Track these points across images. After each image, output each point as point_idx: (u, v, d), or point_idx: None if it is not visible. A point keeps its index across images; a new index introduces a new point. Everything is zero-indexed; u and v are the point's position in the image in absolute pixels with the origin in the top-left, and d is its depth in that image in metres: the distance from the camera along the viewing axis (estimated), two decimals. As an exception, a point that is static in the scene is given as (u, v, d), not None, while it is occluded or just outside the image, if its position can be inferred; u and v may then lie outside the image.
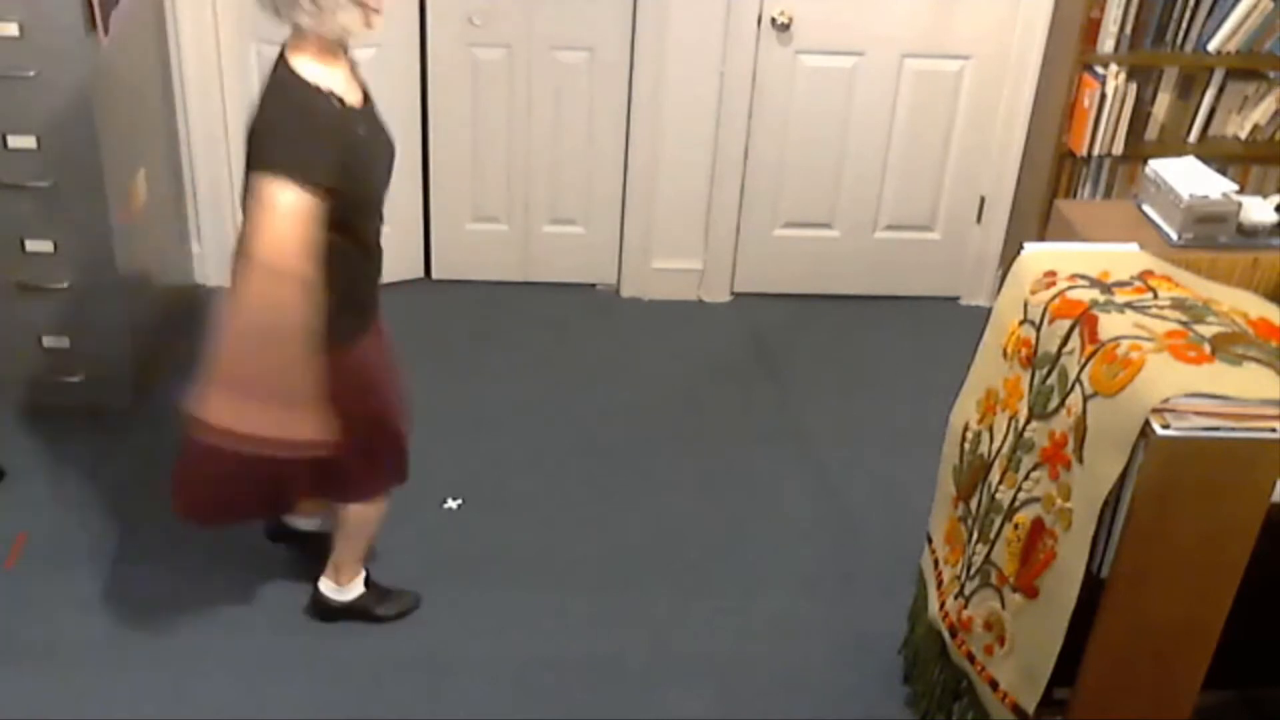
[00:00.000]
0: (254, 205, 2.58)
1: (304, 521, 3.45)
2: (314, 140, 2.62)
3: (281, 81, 2.68)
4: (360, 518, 3.18)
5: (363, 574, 3.30)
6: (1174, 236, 3.07)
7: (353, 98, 2.76)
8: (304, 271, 2.58)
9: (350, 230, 2.77)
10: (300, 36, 2.70)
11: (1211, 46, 4.20)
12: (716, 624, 3.38)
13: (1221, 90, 4.31)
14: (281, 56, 2.72)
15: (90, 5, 3.47)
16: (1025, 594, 2.56)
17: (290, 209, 2.56)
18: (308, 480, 3.03)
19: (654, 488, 3.82)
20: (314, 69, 2.68)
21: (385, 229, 4.89)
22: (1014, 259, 2.74)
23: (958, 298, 4.81)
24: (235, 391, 2.65)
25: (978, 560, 2.75)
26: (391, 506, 3.48)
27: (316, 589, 3.28)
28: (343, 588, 3.28)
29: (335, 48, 2.72)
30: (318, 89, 2.66)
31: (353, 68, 2.82)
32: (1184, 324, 2.42)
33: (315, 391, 2.68)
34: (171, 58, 4.25)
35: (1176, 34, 4.19)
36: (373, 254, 2.94)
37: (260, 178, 2.57)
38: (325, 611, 3.29)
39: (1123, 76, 4.18)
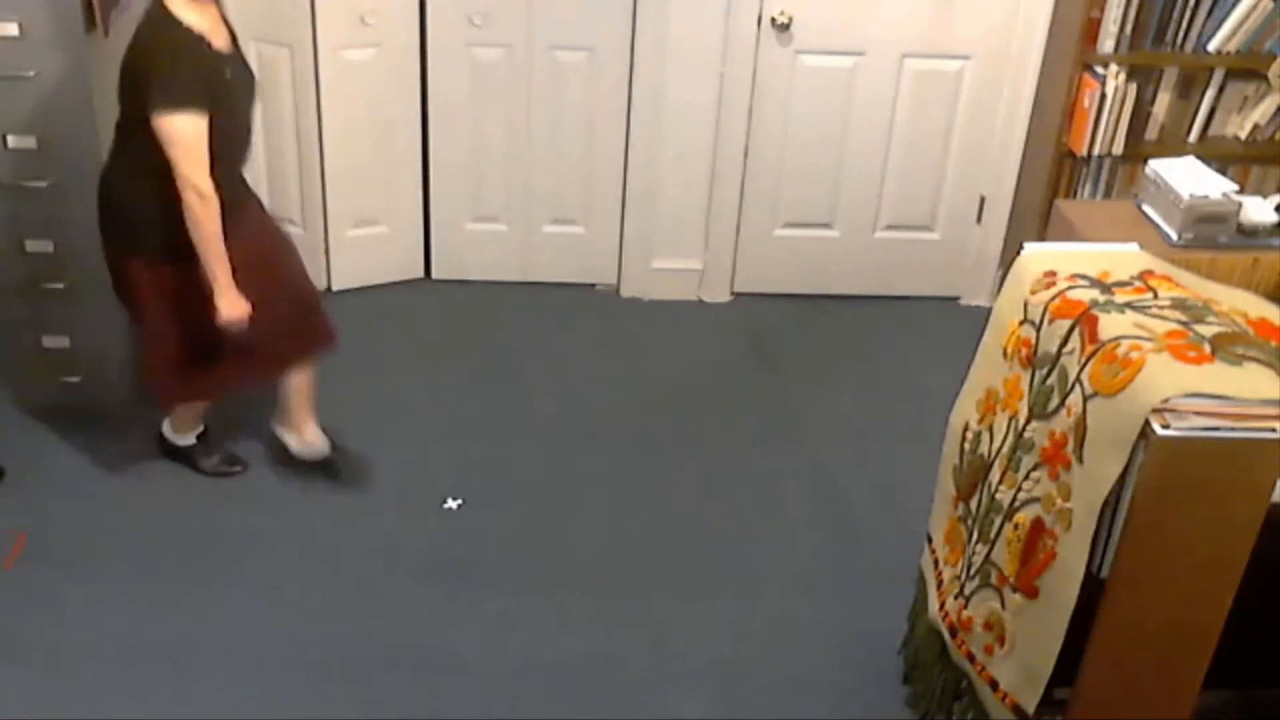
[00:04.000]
0: (163, 144, 3.02)
1: (185, 436, 3.75)
2: (186, 71, 2.99)
3: (154, 20, 3.02)
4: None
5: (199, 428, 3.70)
6: (1174, 236, 3.07)
7: (219, 41, 3.11)
8: (208, 184, 3.08)
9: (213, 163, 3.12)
10: None
11: (1211, 46, 4.20)
12: (716, 624, 3.38)
13: (1221, 90, 4.31)
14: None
15: (90, 5, 3.47)
16: (1025, 594, 2.56)
17: (191, 135, 3.01)
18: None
19: (654, 488, 3.82)
20: (184, 10, 3.02)
21: (382, 228, 4.91)
22: (1014, 259, 2.74)
23: (958, 298, 4.81)
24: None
25: (978, 560, 2.75)
26: (388, 504, 3.50)
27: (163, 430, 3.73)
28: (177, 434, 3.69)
29: None
30: (188, 29, 3.01)
31: (223, 13, 3.17)
32: (1184, 324, 2.42)
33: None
34: (171, 58, 4.25)
35: (1176, 34, 4.19)
36: (227, 193, 3.21)
37: (156, 118, 2.99)
38: (162, 446, 3.72)
39: (1123, 76, 4.18)
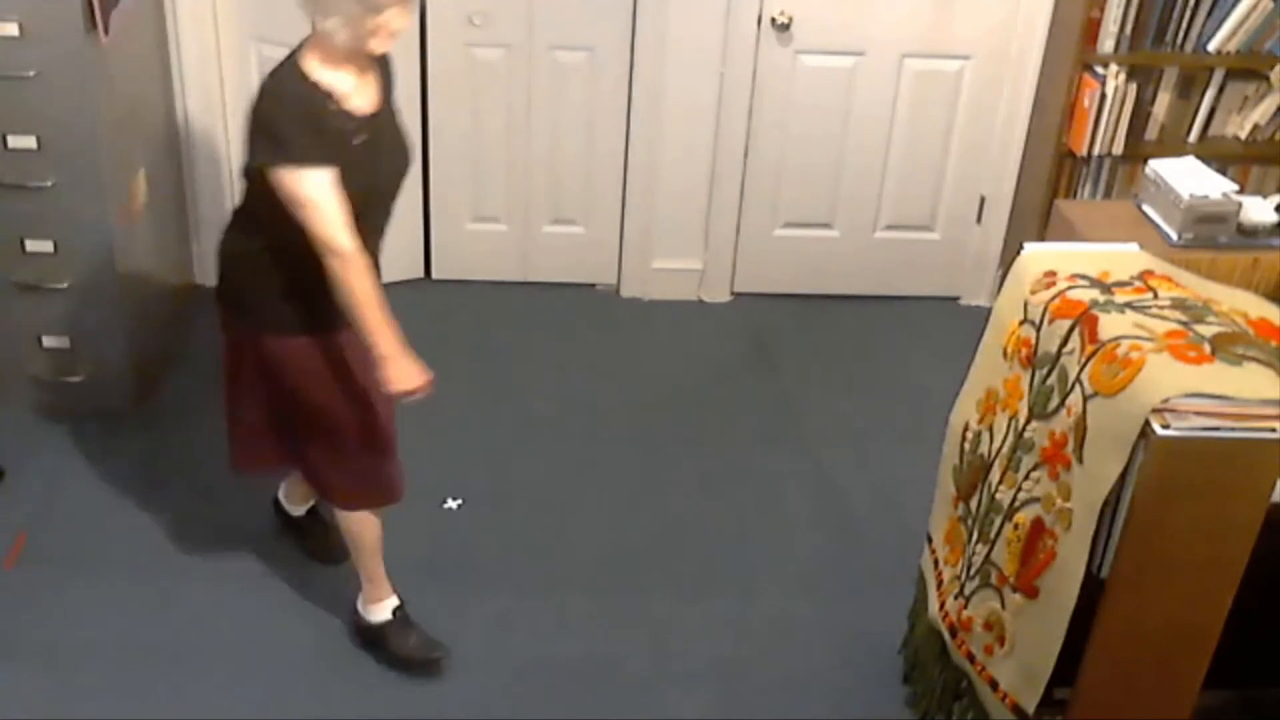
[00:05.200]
0: (289, 204, 2.68)
1: (295, 508, 3.48)
2: (304, 128, 2.66)
3: (281, 73, 2.72)
4: (348, 526, 3.13)
5: (392, 599, 3.21)
6: (1174, 236, 3.07)
7: (359, 103, 2.76)
8: (349, 242, 2.70)
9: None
10: (310, 36, 2.72)
11: (1211, 46, 4.20)
12: (716, 624, 3.38)
13: (1221, 90, 4.31)
14: (290, 54, 2.75)
15: (90, 5, 3.47)
16: (1025, 594, 2.56)
17: (315, 193, 2.66)
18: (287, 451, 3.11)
19: (654, 488, 3.82)
20: (318, 67, 2.70)
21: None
22: (1014, 259, 2.74)
23: (958, 298, 4.81)
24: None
25: (978, 560, 2.75)
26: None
27: (355, 612, 3.24)
28: (370, 608, 3.21)
29: (348, 53, 2.70)
30: (315, 84, 2.68)
31: (382, 75, 2.85)
32: (1184, 324, 2.42)
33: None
34: (171, 58, 4.25)
35: (1176, 34, 4.19)
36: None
37: (272, 174, 2.67)
38: (361, 634, 3.22)
39: (1123, 76, 4.18)
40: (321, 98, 2.68)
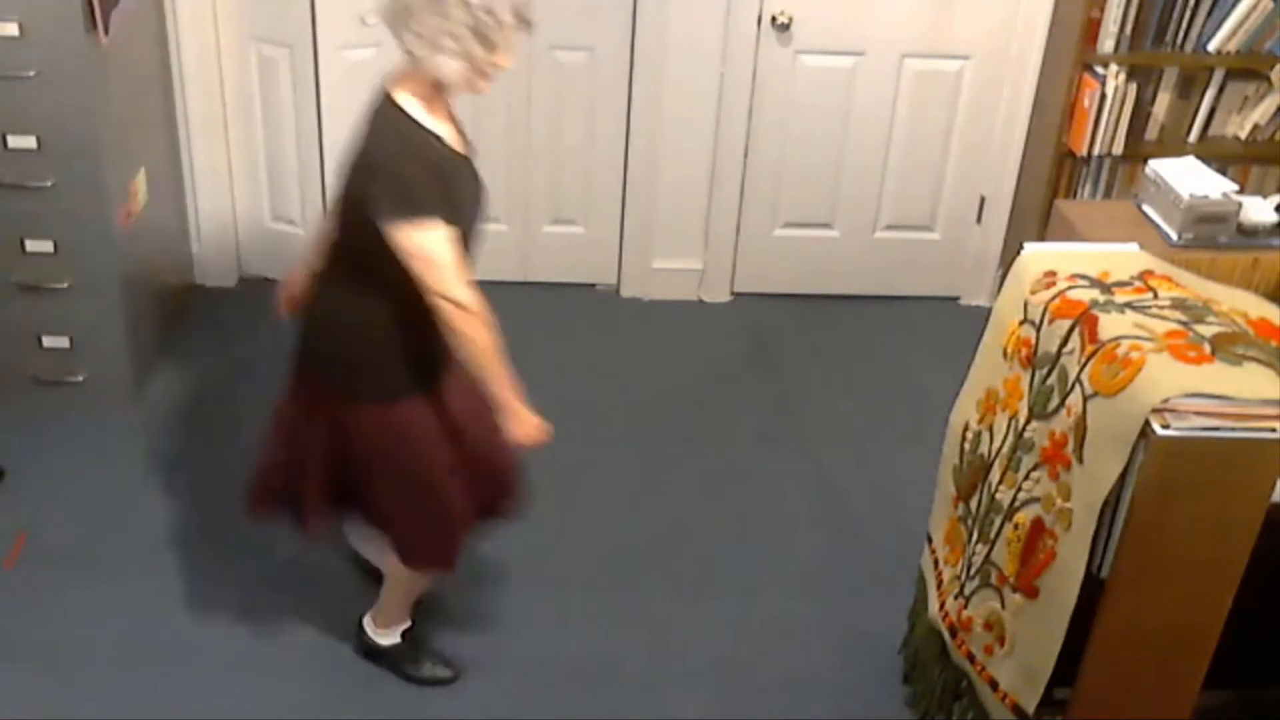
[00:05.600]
0: (409, 258, 2.56)
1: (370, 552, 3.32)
2: (427, 176, 2.56)
3: (389, 119, 2.58)
4: (400, 574, 3.05)
5: (405, 624, 3.18)
6: (1174, 236, 3.07)
7: (456, 145, 2.68)
8: (471, 296, 2.62)
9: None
10: (407, 72, 2.60)
11: (1211, 46, 4.20)
12: (716, 624, 3.38)
13: (1221, 90, 4.31)
14: (386, 93, 2.61)
15: (90, 5, 3.47)
16: (1025, 594, 2.56)
17: (438, 248, 2.56)
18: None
19: (654, 488, 3.82)
20: (421, 110, 2.59)
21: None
22: (1014, 259, 2.74)
23: (958, 298, 4.81)
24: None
25: (978, 560, 2.75)
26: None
27: (360, 623, 3.20)
28: (379, 631, 3.17)
29: (439, 93, 2.61)
30: (427, 130, 2.59)
31: (456, 120, 2.73)
32: (1184, 324, 2.42)
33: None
34: (171, 58, 4.25)
35: (1176, 34, 4.19)
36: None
37: (397, 229, 2.53)
38: (364, 649, 3.20)
39: (1123, 76, 4.18)
40: (437, 144, 2.59)
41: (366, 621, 3.19)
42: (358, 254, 2.67)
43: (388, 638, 3.17)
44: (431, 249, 2.55)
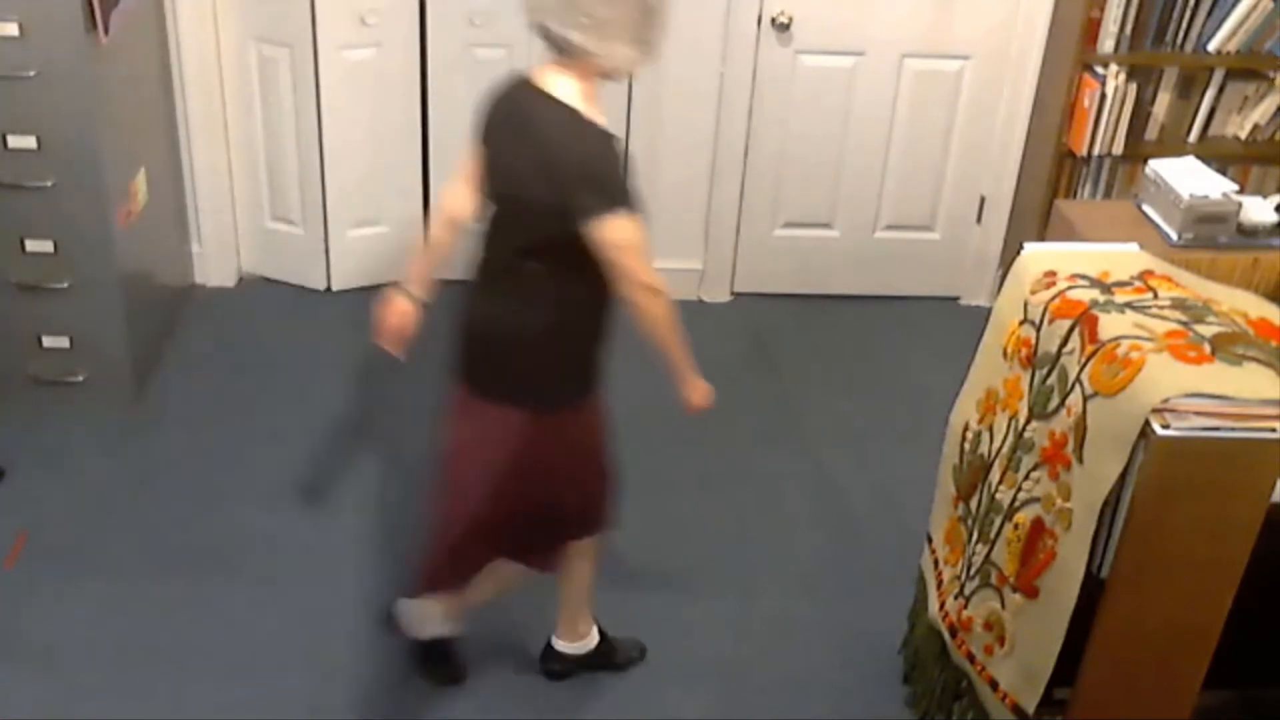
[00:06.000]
0: (611, 251, 2.55)
1: (444, 626, 3.12)
2: (618, 169, 2.56)
3: (564, 119, 2.54)
4: (582, 576, 3.08)
5: (593, 625, 3.20)
6: (1174, 236, 3.07)
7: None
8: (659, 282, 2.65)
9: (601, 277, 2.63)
10: (561, 65, 2.56)
11: (1211, 46, 4.20)
12: (716, 624, 3.38)
13: (1221, 90, 4.31)
14: (538, 90, 2.57)
15: (90, 5, 3.47)
16: (1025, 594, 2.56)
17: (638, 237, 2.57)
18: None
19: (654, 487, 3.81)
20: (580, 101, 2.55)
21: (382, 228, 4.89)
22: (1014, 259, 2.74)
23: (958, 298, 4.81)
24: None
25: (978, 560, 2.75)
26: (389, 504, 3.47)
27: (550, 651, 3.18)
28: (578, 642, 3.18)
29: (595, 82, 2.58)
30: (600, 123, 2.56)
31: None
32: (1184, 324, 2.42)
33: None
34: (171, 58, 4.25)
35: (1176, 34, 4.19)
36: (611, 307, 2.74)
37: (603, 226, 2.52)
38: (564, 669, 3.19)
39: (1123, 76, 4.18)
40: (610, 134, 2.57)
41: (559, 644, 3.17)
42: (553, 263, 2.63)
43: (588, 642, 3.17)
44: (634, 239, 2.56)
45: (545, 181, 2.54)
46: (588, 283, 2.63)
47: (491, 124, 2.71)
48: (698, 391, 2.87)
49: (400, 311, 2.94)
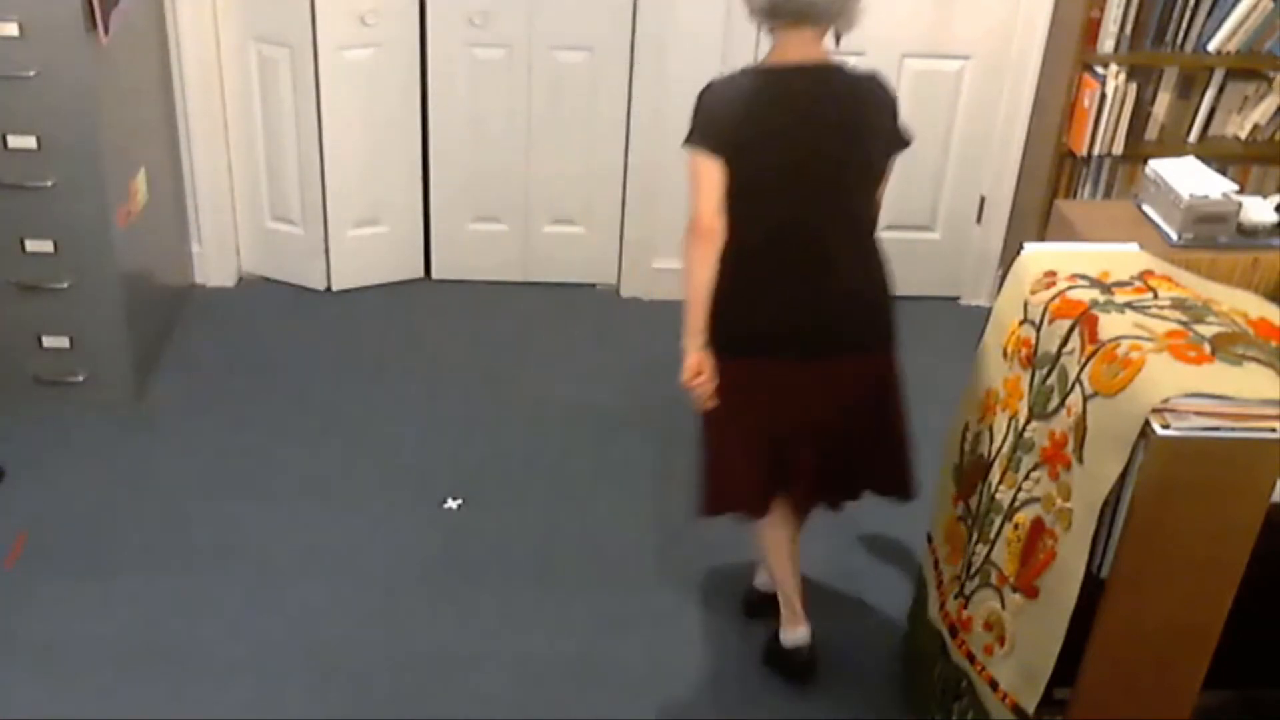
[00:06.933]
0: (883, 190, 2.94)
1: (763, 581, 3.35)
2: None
3: (856, 74, 2.88)
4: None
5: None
6: (1174, 236, 3.07)
7: None
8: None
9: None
10: (802, 42, 2.85)
11: (1211, 46, 4.20)
12: (716, 624, 3.37)
13: (1221, 90, 4.31)
14: (826, 64, 2.85)
15: (90, 5, 3.48)
16: (1025, 594, 2.56)
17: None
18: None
19: (654, 487, 3.82)
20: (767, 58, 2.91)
21: (382, 228, 4.88)
22: (1014, 259, 2.74)
23: (958, 298, 4.81)
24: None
25: (978, 560, 2.75)
26: (388, 504, 3.47)
27: (778, 644, 3.20)
28: (802, 628, 3.18)
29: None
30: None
31: None
32: (1184, 324, 2.42)
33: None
34: (171, 58, 4.25)
35: (1176, 34, 4.19)
36: (766, 258, 2.85)
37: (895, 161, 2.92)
38: (803, 664, 3.19)
39: (1123, 76, 4.18)
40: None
41: (790, 636, 3.17)
42: (863, 212, 2.95)
43: (807, 629, 3.19)
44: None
45: (871, 137, 2.90)
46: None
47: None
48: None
49: (708, 364, 2.92)
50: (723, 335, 2.85)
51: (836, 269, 2.85)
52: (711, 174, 2.75)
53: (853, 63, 4.45)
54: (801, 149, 2.77)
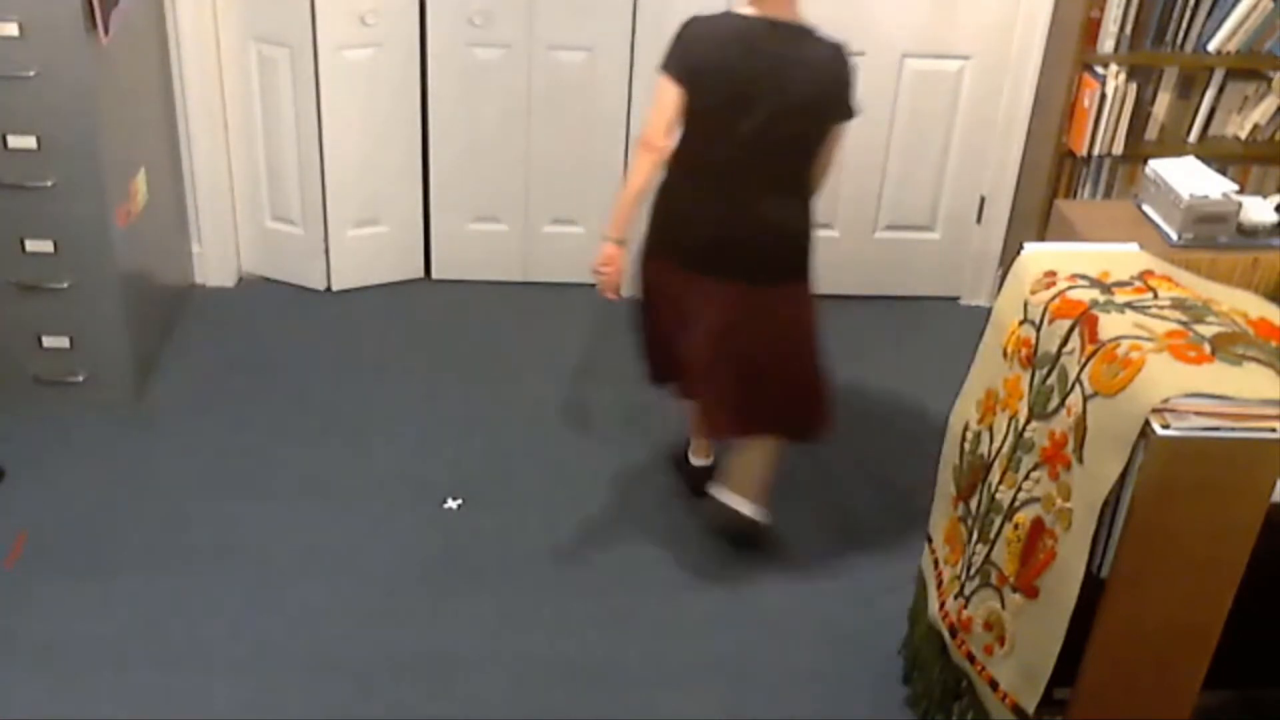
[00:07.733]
0: (836, 145, 3.20)
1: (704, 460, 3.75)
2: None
3: (824, 42, 3.12)
4: (776, 448, 3.54)
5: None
6: (1174, 236, 3.07)
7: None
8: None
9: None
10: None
11: (1211, 46, 4.20)
12: (716, 623, 3.38)
13: (1221, 90, 4.31)
14: (799, 25, 3.12)
15: (90, 5, 3.47)
16: (1025, 594, 2.56)
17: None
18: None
19: (654, 487, 3.82)
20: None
21: (382, 228, 4.88)
22: (1014, 259, 2.74)
23: (958, 298, 4.81)
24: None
25: (978, 560, 2.75)
26: (388, 504, 3.47)
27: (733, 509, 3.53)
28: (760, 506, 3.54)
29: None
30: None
31: None
32: (1184, 324, 2.42)
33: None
34: (171, 58, 4.25)
35: (1176, 34, 4.19)
36: (698, 182, 3.22)
37: (846, 122, 3.20)
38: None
39: (1123, 76, 4.18)
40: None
41: (747, 504, 3.50)
42: (797, 167, 3.20)
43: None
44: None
45: (834, 86, 3.20)
46: (815, 176, 3.28)
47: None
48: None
49: (619, 259, 3.30)
50: (651, 238, 3.30)
51: (754, 209, 3.18)
52: (668, 96, 3.10)
53: (854, 63, 4.48)
54: (749, 95, 3.05)
